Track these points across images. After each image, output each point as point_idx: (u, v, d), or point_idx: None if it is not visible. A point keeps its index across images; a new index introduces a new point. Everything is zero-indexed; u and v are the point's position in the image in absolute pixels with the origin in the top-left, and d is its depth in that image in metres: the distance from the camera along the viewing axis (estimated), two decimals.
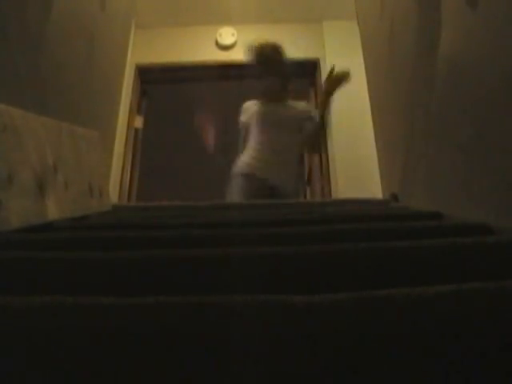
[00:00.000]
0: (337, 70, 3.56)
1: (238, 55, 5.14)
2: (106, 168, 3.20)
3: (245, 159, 3.64)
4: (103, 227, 1.63)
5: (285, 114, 3.75)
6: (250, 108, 3.81)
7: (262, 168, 3.52)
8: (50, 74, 2.24)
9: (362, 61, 3.78)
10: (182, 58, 5.11)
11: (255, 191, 3.44)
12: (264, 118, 3.68)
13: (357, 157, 4.33)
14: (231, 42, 5.14)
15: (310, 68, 5.03)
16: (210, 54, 5.14)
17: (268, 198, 3.30)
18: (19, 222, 1.37)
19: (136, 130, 4.81)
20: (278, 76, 3.78)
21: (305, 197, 5.93)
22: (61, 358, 0.61)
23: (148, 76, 5.11)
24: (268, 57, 3.78)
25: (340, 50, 4.89)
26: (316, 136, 3.61)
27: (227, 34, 5.16)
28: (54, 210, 1.62)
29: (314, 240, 1.26)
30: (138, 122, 4.89)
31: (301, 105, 3.89)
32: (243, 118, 3.82)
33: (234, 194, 3.56)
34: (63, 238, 1.35)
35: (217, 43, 5.17)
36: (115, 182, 4.23)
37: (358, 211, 2.06)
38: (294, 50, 5.08)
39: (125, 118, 4.58)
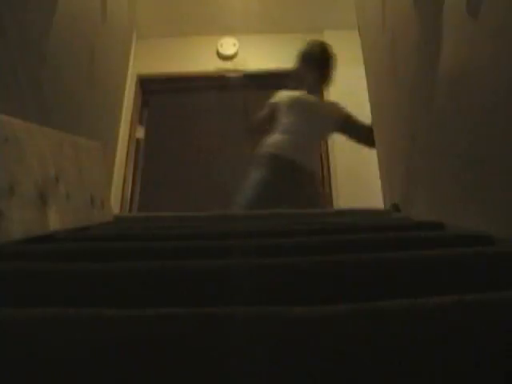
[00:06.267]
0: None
1: (240, 65, 5.15)
2: (108, 179, 3.20)
3: (273, 140, 3.70)
4: (104, 238, 1.63)
5: (320, 104, 4.03)
6: (284, 94, 4.00)
7: (291, 149, 3.59)
8: (51, 85, 2.25)
9: (363, 71, 3.79)
10: (183, 68, 5.12)
11: (280, 170, 3.51)
12: (300, 102, 3.89)
13: (358, 167, 4.33)
14: (232, 52, 5.15)
15: None
16: (211, 64, 5.15)
17: (291, 178, 3.50)
18: (21, 233, 1.37)
19: (137, 141, 4.82)
20: (318, 73, 3.95)
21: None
22: (61, 371, 0.61)
23: (149, 86, 5.12)
24: (315, 54, 4.04)
25: (341, 59, 4.90)
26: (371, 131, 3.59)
27: (228, 44, 5.18)
28: (55, 221, 1.63)
29: (314, 251, 1.26)
30: (140, 133, 4.90)
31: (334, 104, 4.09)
32: (273, 100, 4.02)
33: (257, 175, 3.59)
34: (64, 249, 1.35)
35: (218, 53, 5.19)
36: (117, 193, 4.23)
37: (360, 221, 2.06)
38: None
39: (126, 128, 4.59)
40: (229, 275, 0.97)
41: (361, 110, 4.17)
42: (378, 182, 3.28)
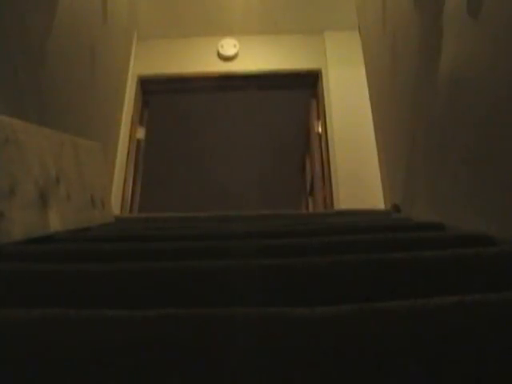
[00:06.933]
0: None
1: (240, 66, 5.15)
2: (108, 179, 3.20)
3: None
4: (105, 239, 1.63)
5: None
6: None
7: None
8: (52, 86, 2.25)
9: (363, 71, 3.79)
10: (183, 69, 5.11)
11: None
12: None
13: (359, 168, 4.32)
14: (233, 53, 5.14)
15: (311, 79, 5.03)
16: (211, 65, 5.14)
17: None
18: (22, 234, 1.37)
19: (138, 141, 4.80)
20: None
21: (307, 208, 5.93)
22: (62, 371, 0.61)
23: (150, 87, 5.11)
24: None
25: (342, 60, 4.89)
26: None
27: (229, 45, 5.16)
28: (56, 221, 1.63)
29: (315, 251, 1.26)
30: (140, 133, 4.89)
31: None
32: None
33: None
34: (65, 249, 1.35)
35: (218, 54, 5.18)
36: (117, 193, 4.23)
37: (360, 222, 2.06)
38: (296, 60, 5.10)
39: (127, 129, 4.58)
40: (229, 276, 0.97)
41: (361, 110, 4.17)
42: (379, 183, 3.28)
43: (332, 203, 4.40)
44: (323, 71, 5.00)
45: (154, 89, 5.22)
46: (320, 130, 4.82)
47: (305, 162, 5.93)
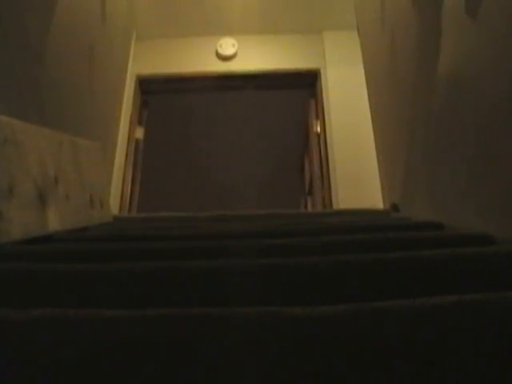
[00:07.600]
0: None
1: (239, 66, 5.14)
2: (107, 179, 3.20)
3: None
4: (103, 239, 1.63)
5: None
6: None
7: None
8: (51, 86, 2.25)
9: (362, 71, 3.79)
10: (182, 68, 5.11)
11: None
12: None
13: (357, 167, 4.32)
14: (231, 53, 5.14)
15: (310, 78, 5.03)
16: (210, 65, 5.14)
17: None
18: (20, 234, 1.37)
19: (137, 141, 4.80)
20: None
21: (306, 207, 5.92)
22: (61, 371, 0.60)
23: (148, 87, 5.11)
24: None
25: (340, 59, 4.89)
26: None
27: (227, 45, 5.16)
28: (55, 221, 1.62)
29: (314, 251, 1.26)
30: (139, 133, 4.88)
31: None
32: None
33: None
34: (63, 249, 1.34)
35: (217, 54, 5.17)
36: (116, 193, 4.23)
37: (359, 222, 2.06)
38: (295, 60, 5.10)
39: (125, 128, 4.57)
40: (228, 275, 0.97)
41: (360, 110, 4.17)
42: (377, 182, 3.28)
43: (331, 203, 4.40)
44: (322, 71, 5.00)
45: (152, 88, 5.22)
46: (319, 129, 4.82)
47: (304, 161, 5.93)
